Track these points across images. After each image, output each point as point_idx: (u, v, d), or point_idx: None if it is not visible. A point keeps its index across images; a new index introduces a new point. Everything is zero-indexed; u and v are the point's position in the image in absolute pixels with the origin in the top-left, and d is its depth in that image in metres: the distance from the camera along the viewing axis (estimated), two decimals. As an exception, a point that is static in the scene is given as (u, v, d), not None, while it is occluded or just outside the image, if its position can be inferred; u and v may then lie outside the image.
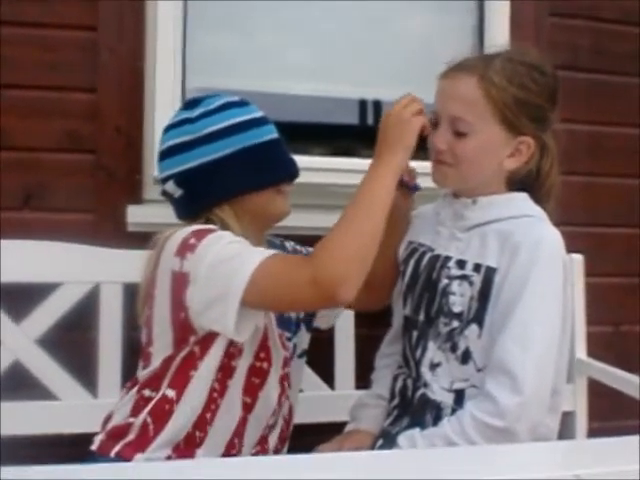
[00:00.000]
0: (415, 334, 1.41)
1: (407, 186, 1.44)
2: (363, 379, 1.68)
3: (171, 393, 1.28)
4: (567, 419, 1.82)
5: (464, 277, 1.33)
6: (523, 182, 1.38)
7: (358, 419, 1.53)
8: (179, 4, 1.91)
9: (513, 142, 1.33)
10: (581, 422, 1.95)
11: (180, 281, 1.24)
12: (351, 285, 1.20)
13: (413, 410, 1.39)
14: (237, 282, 1.19)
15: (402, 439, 1.31)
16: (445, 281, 1.35)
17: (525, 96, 1.31)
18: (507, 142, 1.33)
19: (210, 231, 1.26)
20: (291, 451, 1.46)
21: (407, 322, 1.45)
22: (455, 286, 1.33)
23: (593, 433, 1.95)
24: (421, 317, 1.40)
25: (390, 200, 1.27)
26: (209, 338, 1.27)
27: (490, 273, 1.30)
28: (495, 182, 1.37)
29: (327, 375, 1.90)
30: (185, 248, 1.24)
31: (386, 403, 1.49)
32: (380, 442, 1.42)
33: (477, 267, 1.32)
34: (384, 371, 1.56)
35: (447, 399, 1.33)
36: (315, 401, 1.85)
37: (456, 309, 1.33)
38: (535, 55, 1.37)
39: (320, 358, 1.86)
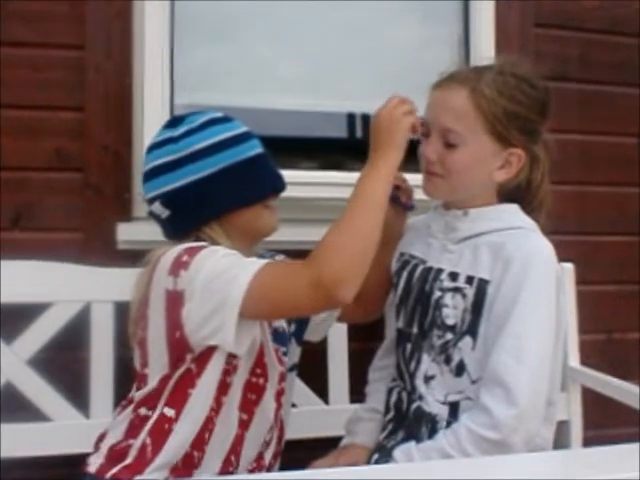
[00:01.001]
0: (409, 347, 1.41)
1: (404, 205, 1.45)
2: (357, 393, 1.67)
3: (170, 412, 1.27)
4: (562, 428, 1.82)
5: (457, 289, 1.33)
6: (514, 194, 1.38)
7: (353, 433, 1.52)
8: (166, 20, 1.91)
9: (503, 154, 1.33)
10: (576, 431, 1.95)
11: (175, 300, 1.23)
12: (350, 284, 1.19)
13: (408, 423, 1.38)
14: (235, 293, 1.18)
15: (398, 453, 1.30)
16: (438, 293, 1.35)
17: (515, 109, 1.32)
18: (497, 154, 1.33)
19: (202, 247, 1.26)
20: (286, 467, 1.45)
21: (400, 335, 1.45)
22: (448, 298, 1.33)
23: (588, 442, 1.95)
24: (414, 330, 1.40)
25: (386, 200, 1.27)
26: (206, 355, 1.26)
27: (483, 285, 1.30)
28: (486, 194, 1.38)
29: (321, 390, 1.89)
30: (178, 266, 1.23)
31: (381, 416, 1.49)
32: (376, 456, 1.41)
33: (470, 279, 1.32)
34: (377, 384, 1.56)
35: (442, 412, 1.33)
36: (309, 416, 1.84)
37: (449, 321, 1.33)
38: (527, 68, 1.37)
39: (314, 372, 1.85)
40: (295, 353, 1.51)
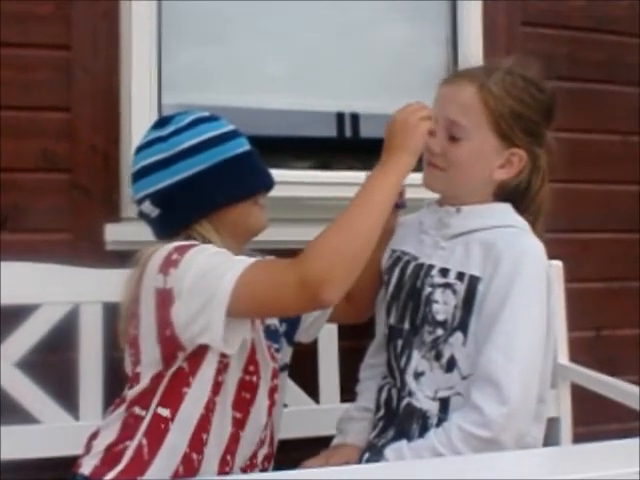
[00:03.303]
0: (400, 343, 1.41)
1: (395, 204, 1.46)
2: (348, 392, 1.67)
3: (165, 412, 1.27)
4: (552, 425, 1.83)
5: (447, 285, 1.33)
6: (511, 195, 1.39)
7: (344, 432, 1.52)
8: (154, 20, 1.90)
9: (505, 153, 1.35)
10: (566, 428, 1.96)
11: (165, 298, 1.23)
12: (336, 285, 1.17)
13: (399, 420, 1.39)
14: (222, 290, 1.18)
15: (389, 452, 1.30)
16: (428, 289, 1.35)
17: (521, 109, 1.33)
18: (499, 152, 1.34)
19: (192, 246, 1.25)
20: (277, 466, 1.45)
21: (392, 331, 1.45)
22: (438, 294, 1.34)
23: (578, 438, 1.96)
24: (406, 326, 1.40)
25: (390, 204, 1.27)
26: (199, 354, 1.25)
27: (474, 282, 1.30)
28: (483, 191, 1.38)
29: (312, 389, 1.89)
30: (168, 264, 1.23)
31: (372, 415, 1.49)
32: (367, 455, 1.41)
33: (460, 275, 1.32)
34: (368, 383, 1.56)
35: (432, 407, 1.33)
36: (300, 415, 1.84)
37: (440, 317, 1.33)
38: (536, 71, 1.38)
39: (304, 372, 1.85)
40: (286, 353, 1.51)
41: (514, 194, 1.39)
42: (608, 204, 2.30)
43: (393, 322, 1.44)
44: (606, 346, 2.28)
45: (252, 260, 1.23)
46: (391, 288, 1.45)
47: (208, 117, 1.39)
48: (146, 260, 1.28)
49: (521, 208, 1.39)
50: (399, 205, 1.48)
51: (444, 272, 1.34)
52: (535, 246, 1.32)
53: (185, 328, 1.21)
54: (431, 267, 1.37)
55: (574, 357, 1.97)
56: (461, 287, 1.31)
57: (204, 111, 1.41)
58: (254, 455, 1.38)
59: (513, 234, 1.33)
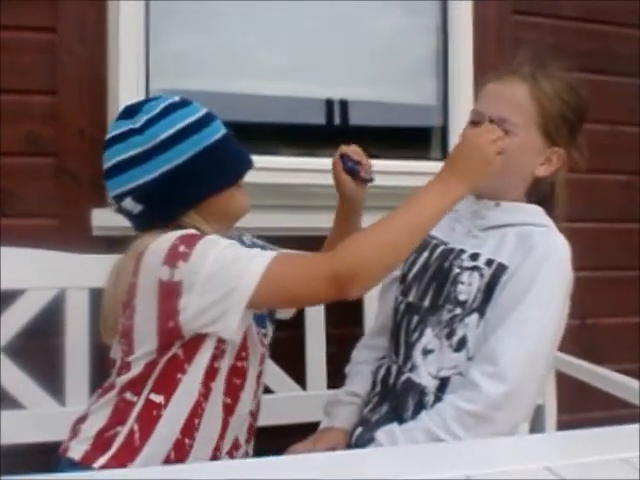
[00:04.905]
0: (415, 319, 1.43)
1: (363, 179, 1.47)
2: (335, 379, 1.68)
3: (158, 398, 1.25)
4: (536, 412, 1.84)
5: (475, 268, 1.36)
6: (541, 194, 1.43)
7: (333, 416, 1.53)
8: (141, 4, 1.89)
9: (547, 151, 1.40)
10: (550, 415, 1.97)
11: (170, 290, 1.19)
12: (364, 281, 1.21)
13: (394, 395, 1.40)
14: (245, 284, 1.17)
15: (381, 435, 1.31)
16: (457, 270, 1.38)
17: (567, 111, 1.39)
18: (542, 150, 1.39)
19: (198, 237, 1.22)
20: (263, 452, 1.45)
21: (409, 308, 1.46)
22: (465, 276, 1.36)
23: (562, 426, 1.98)
24: (426, 303, 1.42)
25: (433, 225, 1.28)
26: (196, 340, 1.24)
27: (500, 270, 1.33)
28: (521, 188, 1.42)
29: (298, 376, 1.89)
30: (175, 257, 1.19)
31: (361, 401, 1.50)
32: (359, 430, 1.42)
33: (489, 262, 1.35)
34: (360, 367, 1.56)
35: (431, 385, 1.35)
36: (287, 402, 1.85)
37: (462, 297, 1.36)
38: (568, 75, 1.44)
39: (291, 359, 1.85)
40: (268, 332, 1.50)
41: (544, 194, 1.44)
42: (594, 193, 2.31)
43: (412, 299, 1.46)
44: (590, 334, 2.30)
45: (273, 253, 1.22)
46: (416, 268, 1.47)
47: (180, 102, 1.32)
48: (143, 250, 1.24)
49: (546, 206, 1.43)
50: (367, 180, 1.48)
51: (474, 256, 1.37)
52: (565, 246, 1.35)
53: (192, 320, 1.20)
54: (462, 251, 1.40)
55: (558, 345, 1.98)
56: (488, 272, 1.34)
57: (174, 95, 1.33)
58: (236, 437, 1.37)
59: (547, 232, 1.37)
